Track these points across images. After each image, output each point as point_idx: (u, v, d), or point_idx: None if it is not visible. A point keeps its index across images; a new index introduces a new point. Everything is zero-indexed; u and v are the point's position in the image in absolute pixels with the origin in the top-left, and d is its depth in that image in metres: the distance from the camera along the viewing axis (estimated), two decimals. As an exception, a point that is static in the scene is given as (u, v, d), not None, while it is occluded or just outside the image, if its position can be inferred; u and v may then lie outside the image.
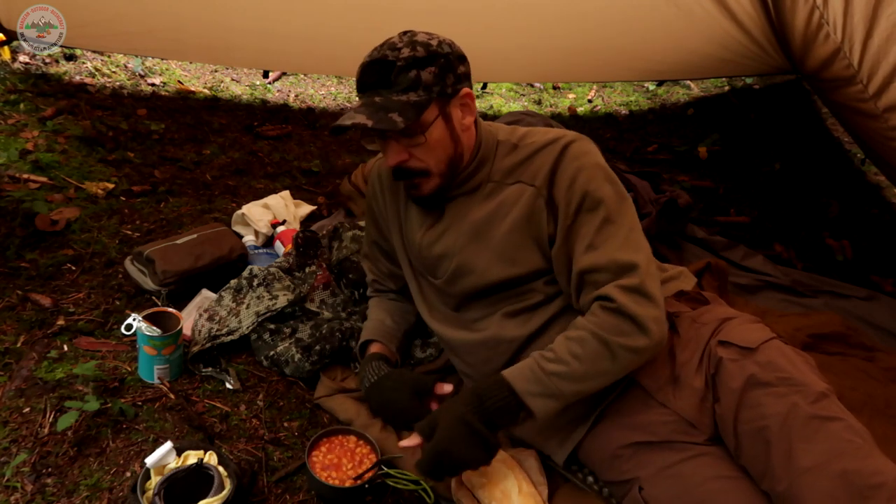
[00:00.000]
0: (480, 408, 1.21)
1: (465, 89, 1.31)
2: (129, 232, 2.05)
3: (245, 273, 1.76)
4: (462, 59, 1.30)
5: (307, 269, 1.84)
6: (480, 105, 3.58)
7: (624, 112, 3.69)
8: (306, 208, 2.32)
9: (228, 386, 1.55)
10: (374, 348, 1.56)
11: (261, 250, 2.07)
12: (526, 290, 1.37)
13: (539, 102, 3.76)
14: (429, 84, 1.24)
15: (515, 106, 3.66)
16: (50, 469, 1.29)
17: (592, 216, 1.27)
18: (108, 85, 2.99)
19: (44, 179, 2.19)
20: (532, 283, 1.36)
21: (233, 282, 1.75)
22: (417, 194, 1.37)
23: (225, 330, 1.64)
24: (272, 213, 2.15)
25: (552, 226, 1.31)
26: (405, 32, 1.28)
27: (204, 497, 1.20)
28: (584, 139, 1.35)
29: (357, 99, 1.35)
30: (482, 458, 1.21)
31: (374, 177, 1.58)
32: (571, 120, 3.53)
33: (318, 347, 1.59)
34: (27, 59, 2.90)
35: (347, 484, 1.30)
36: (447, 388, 1.47)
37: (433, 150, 1.30)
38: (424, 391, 1.46)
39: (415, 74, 1.23)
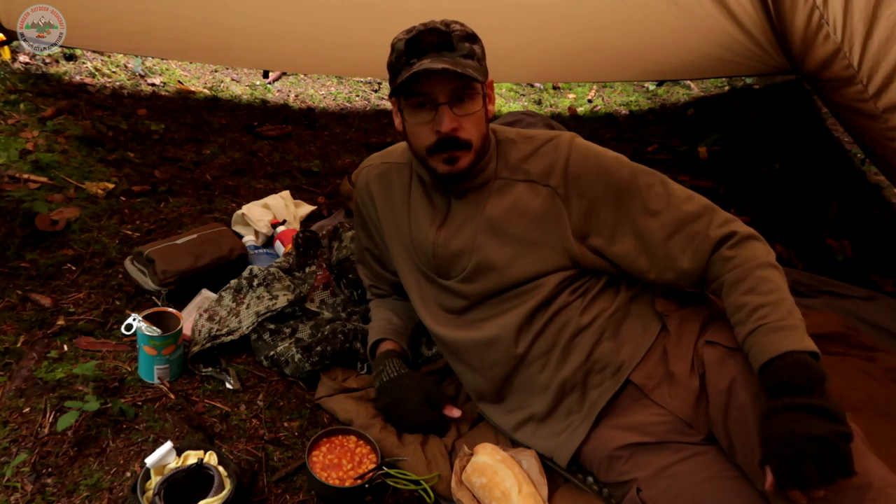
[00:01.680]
0: (795, 387, 1.07)
1: (490, 78, 1.36)
2: (129, 232, 2.05)
3: (245, 273, 1.76)
4: None
5: (307, 269, 1.84)
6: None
7: (624, 112, 3.69)
8: (306, 208, 2.32)
9: (228, 386, 1.55)
10: (387, 346, 1.56)
11: (261, 250, 2.07)
12: (535, 287, 1.38)
13: (539, 102, 3.76)
14: (479, 57, 1.31)
15: (515, 106, 3.66)
16: (50, 469, 1.29)
17: (635, 192, 1.34)
18: (108, 85, 2.99)
19: (44, 179, 2.19)
20: (544, 278, 1.37)
21: (233, 282, 1.75)
22: (454, 170, 1.33)
23: (225, 330, 1.64)
24: (272, 213, 2.15)
25: (583, 221, 1.36)
26: (432, 21, 1.31)
27: (204, 497, 1.20)
28: (575, 135, 1.43)
29: (406, 66, 1.28)
30: (839, 427, 1.03)
31: (362, 184, 1.57)
32: (571, 120, 3.53)
33: (318, 348, 1.59)
34: (27, 59, 2.90)
35: (347, 484, 1.30)
36: (456, 412, 1.49)
37: (478, 123, 1.33)
38: (436, 403, 1.47)
39: (469, 46, 1.29)
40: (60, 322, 1.65)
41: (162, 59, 3.32)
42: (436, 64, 1.22)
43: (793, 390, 1.07)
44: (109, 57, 3.18)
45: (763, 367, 1.13)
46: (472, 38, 1.31)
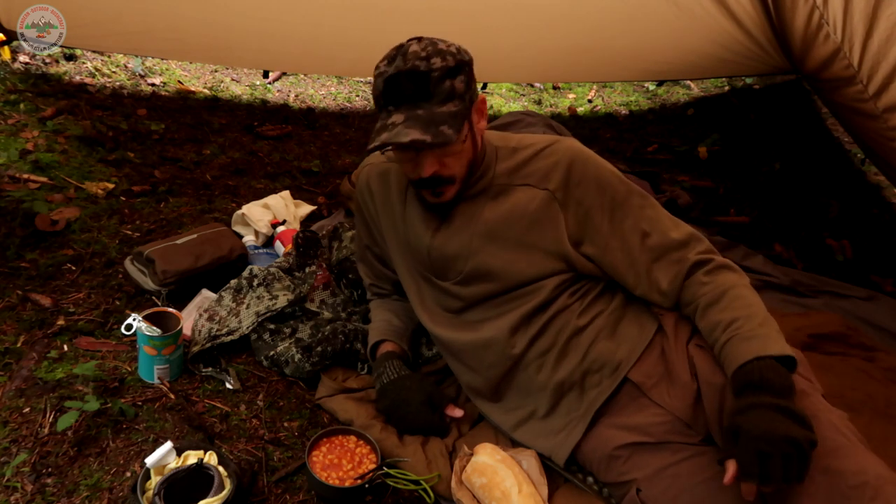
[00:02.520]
0: (771, 387, 1.09)
1: (481, 95, 1.33)
2: (129, 232, 2.05)
3: (245, 273, 1.76)
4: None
5: (307, 269, 1.84)
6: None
7: (624, 112, 3.69)
8: (306, 208, 2.32)
9: (228, 386, 1.55)
10: (388, 347, 1.56)
11: (261, 250, 2.07)
12: (534, 290, 1.38)
13: (539, 102, 3.76)
14: (461, 93, 1.25)
15: (515, 106, 3.66)
16: (50, 469, 1.29)
17: (628, 209, 1.35)
18: (108, 85, 2.99)
19: (44, 179, 2.19)
20: (542, 281, 1.38)
21: (233, 282, 1.75)
22: (440, 201, 1.37)
23: (225, 330, 1.64)
24: (272, 213, 2.15)
25: (577, 228, 1.36)
26: (419, 40, 1.25)
27: (204, 497, 1.20)
28: (575, 141, 1.43)
29: (384, 111, 1.27)
30: (811, 435, 1.05)
31: (362, 184, 1.57)
32: (571, 120, 3.53)
33: (319, 348, 1.59)
34: (27, 59, 2.90)
35: (347, 484, 1.30)
36: (458, 412, 1.48)
37: (462, 157, 1.31)
38: (437, 405, 1.47)
39: (449, 85, 1.22)
40: (60, 322, 1.65)
41: (162, 59, 3.32)
42: (408, 131, 1.19)
43: (770, 390, 1.09)
44: (109, 57, 3.18)
45: (736, 371, 1.15)
46: (455, 70, 1.23)
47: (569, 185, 1.36)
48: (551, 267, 1.37)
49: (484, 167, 1.39)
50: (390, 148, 1.27)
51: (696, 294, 1.30)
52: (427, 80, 1.21)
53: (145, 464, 1.22)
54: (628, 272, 1.36)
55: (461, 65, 1.25)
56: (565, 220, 1.36)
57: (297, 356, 1.58)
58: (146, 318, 1.49)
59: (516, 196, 1.38)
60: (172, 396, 1.49)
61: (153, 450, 1.24)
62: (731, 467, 1.07)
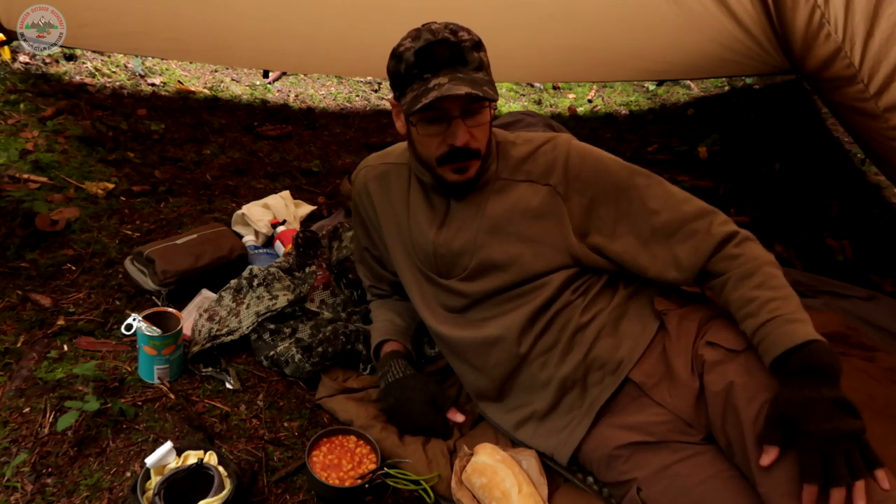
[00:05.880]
0: (829, 374, 1.10)
1: None
2: (129, 232, 2.05)
3: (245, 273, 1.76)
4: None
5: (307, 269, 1.84)
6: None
7: (624, 112, 3.69)
8: (306, 208, 2.32)
9: (228, 386, 1.55)
10: (392, 346, 1.56)
11: (261, 250, 2.07)
12: (539, 286, 1.38)
13: (539, 102, 3.76)
14: (487, 66, 1.30)
15: (515, 106, 3.66)
16: (50, 469, 1.29)
17: (634, 191, 1.36)
18: (108, 85, 2.99)
19: (44, 179, 2.19)
20: (548, 276, 1.38)
21: (233, 282, 1.75)
22: (463, 178, 1.35)
23: (225, 330, 1.64)
24: (272, 213, 2.15)
25: (582, 220, 1.37)
26: (433, 23, 1.30)
27: (204, 497, 1.20)
28: (572, 136, 1.46)
29: (418, 80, 1.27)
30: (859, 422, 1.06)
31: (360, 185, 1.57)
32: (571, 120, 3.53)
33: (319, 349, 1.59)
34: (27, 59, 2.90)
35: (347, 484, 1.30)
36: (459, 417, 1.48)
37: (486, 132, 1.34)
38: (440, 407, 1.47)
39: (478, 56, 1.28)
40: (60, 322, 1.65)
41: (162, 59, 3.32)
42: (458, 87, 1.21)
43: (828, 379, 1.09)
44: (109, 57, 3.18)
45: (785, 355, 1.14)
46: (479, 45, 1.30)
47: (568, 178, 1.37)
48: (557, 261, 1.37)
49: (489, 160, 1.40)
50: (431, 107, 1.24)
51: (727, 267, 1.29)
52: (460, 48, 1.26)
53: (145, 464, 1.22)
54: (640, 254, 1.35)
55: (480, 42, 1.31)
56: (569, 212, 1.37)
57: (298, 356, 1.58)
58: (146, 318, 1.49)
59: (519, 192, 1.39)
60: (172, 396, 1.49)
61: (153, 450, 1.24)
62: (772, 452, 1.06)
